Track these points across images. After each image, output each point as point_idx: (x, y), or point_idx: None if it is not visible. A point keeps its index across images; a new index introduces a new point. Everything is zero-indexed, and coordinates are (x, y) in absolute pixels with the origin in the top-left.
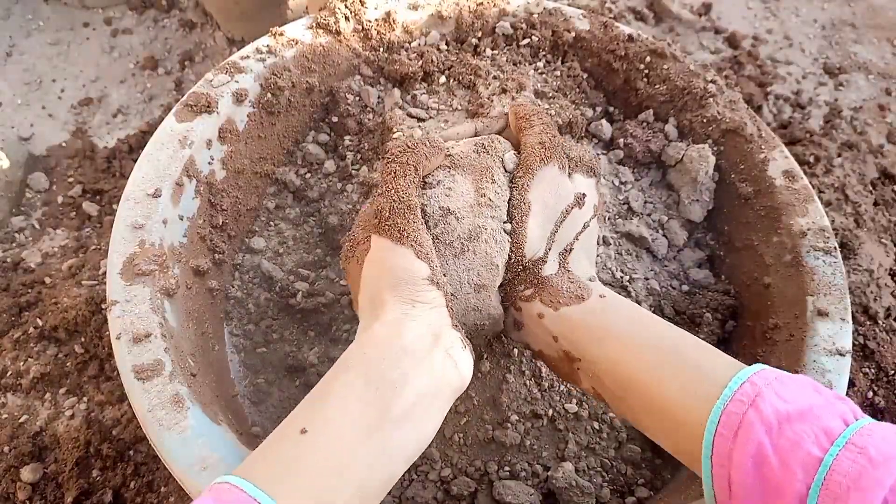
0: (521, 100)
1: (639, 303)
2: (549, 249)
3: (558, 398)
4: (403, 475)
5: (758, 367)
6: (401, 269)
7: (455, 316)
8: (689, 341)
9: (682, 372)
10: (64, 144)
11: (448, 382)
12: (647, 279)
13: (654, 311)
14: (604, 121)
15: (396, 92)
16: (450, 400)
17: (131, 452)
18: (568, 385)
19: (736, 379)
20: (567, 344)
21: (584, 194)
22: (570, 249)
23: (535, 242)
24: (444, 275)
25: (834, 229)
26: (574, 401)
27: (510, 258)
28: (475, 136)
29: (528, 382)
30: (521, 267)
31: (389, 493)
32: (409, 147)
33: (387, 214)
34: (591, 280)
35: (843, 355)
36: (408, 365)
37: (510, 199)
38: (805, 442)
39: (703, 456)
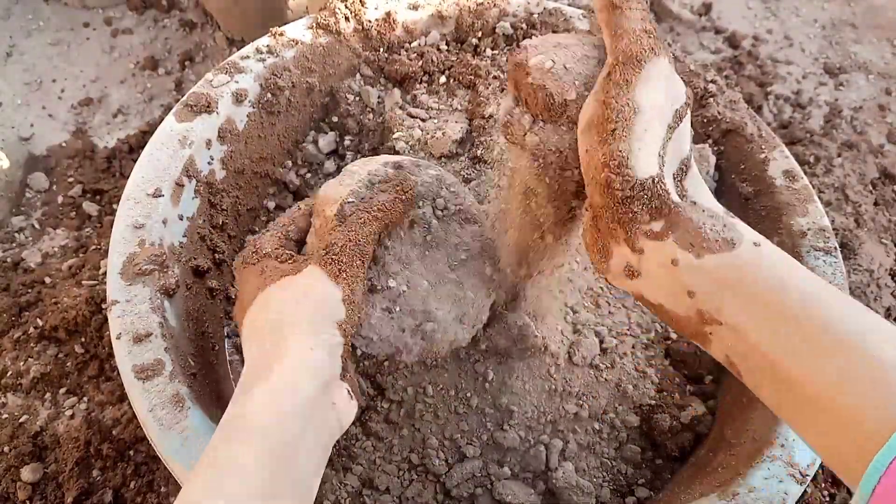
0: None
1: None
2: (662, 167)
3: (559, 399)
4: (403, 475)
5: None
6: (322, 304)
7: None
8: (881, 331)
9: (864, 376)
10: (64, 144)
11: (331, 434)
12: None
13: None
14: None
15: (396, 92)
16: (331, 444)
17: (131, 452)
18: (567, 386)
19: None
20: (707, 303)
21: (686, 91)
22: (687, 168)
23: (646, 154)
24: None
25: (834, 229)
26: (574, 401)
27: (611, 179)
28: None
29: (528, 386)
30: (632, 188)
31: (390, 493)
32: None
33: (337, 250)
34: (730, 215)
35: None
36: (303, 426)
37: (604, 100)
38: None
39: (864, 478)
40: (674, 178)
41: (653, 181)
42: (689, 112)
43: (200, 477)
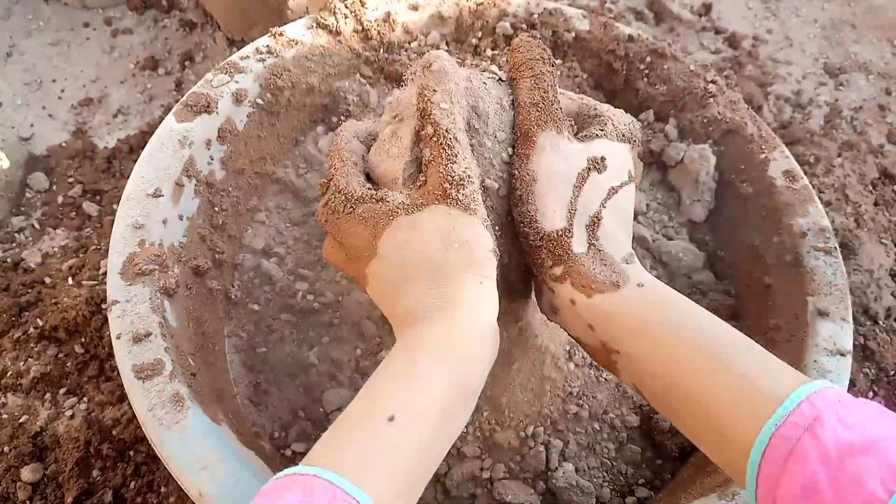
0: (522, 37)
1: None
2: (572, 222)
3: (559, 399)
4: None
5: (819, 383)
6: (475, 243)
7: None
8: (740, 344)
9: (732, 380)
10: (64, 144)
11: (492, 362)
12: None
13: None
14: None
15: (396, 92)
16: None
17: (131, 452)
18: (568, 386)
19: (793, 397)
20: (604, 335)
21: (602, 157)
22: (598, 221)
23: (552, 213)
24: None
25: (834, 229)
26: (574, 401)
27: (527, 233)
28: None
29: (528, 386)
30: (540, 239)
31: None
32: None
33: (449, 172)
34: (627, 261)
35: (844, 355)
36: (482, 350)
37: (513, 172)
38: (868, 480)
39: (747, 476)
40: (585, 228)
41: (558, 233)
42: (593, 175)
43: (381, 381)
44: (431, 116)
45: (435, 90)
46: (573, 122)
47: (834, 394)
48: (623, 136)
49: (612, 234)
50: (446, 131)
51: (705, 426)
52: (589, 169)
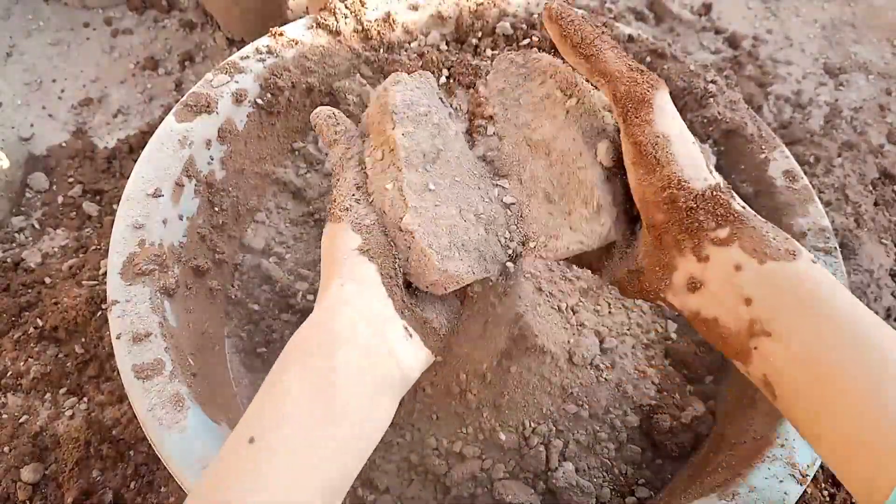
0: (560, 10)
1: (640, 304)
2: (718, 178)
3: (559, 399)
4: (403, 475)
5: None
6: (336, 245)
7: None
8: None
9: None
10: (64, 144)
11: (385, 377)
12: None
13: (654, 310)
14: None
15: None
16: (393, 394)
17: (131, 453)
18: (568, 386)
19: None
20: (762, 310)
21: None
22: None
23: (698, 170)
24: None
25: (834, 229)
26: (574, 401)
27: (674, 196)
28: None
29: (528, 385)
30: (694, 199)
31: (390, 493)
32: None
33: (333, 194)
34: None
35: None
36: (340, 358)
37: (634, 140)
38: None
39: None
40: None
41: (712, 191)
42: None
43: (256, 398)
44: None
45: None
46: None
47: None
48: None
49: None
50: (339, 162)
51: (855, 440)
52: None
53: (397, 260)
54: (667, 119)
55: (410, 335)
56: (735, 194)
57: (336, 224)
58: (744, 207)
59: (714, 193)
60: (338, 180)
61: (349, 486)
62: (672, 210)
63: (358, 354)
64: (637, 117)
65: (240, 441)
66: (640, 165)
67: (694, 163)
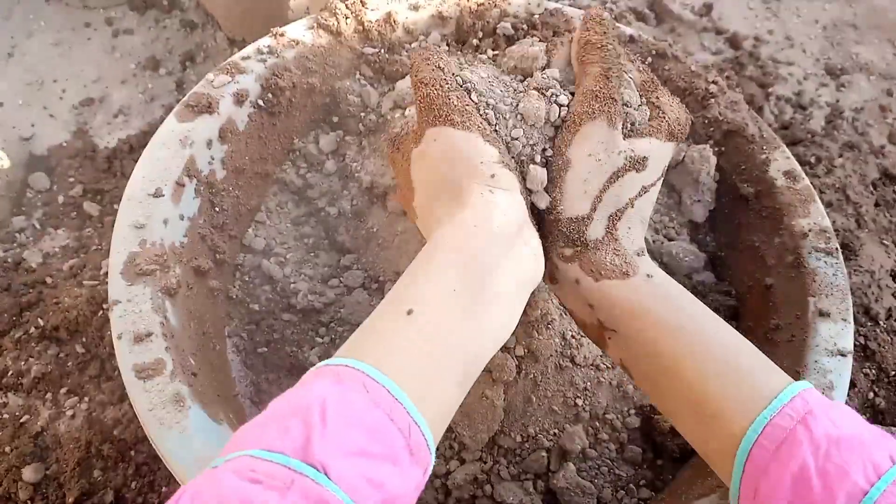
0: (594, 14)
1: None
2: (595, 209)
3: (560, 399)
4: None
5: (805, 383)
6: (474, 154)
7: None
8: (737, 342)
9: (728, 371)
10: (65, 144)
11: (527, 272)
12: None
13: None
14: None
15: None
16: (529, 290)
17: (132, 452)
18: (568, 387)
19: (787, 391)
20: (602, 315)
21: (644, 157)
22: (622, 214)
23: (575, 200)
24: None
25: (835, 230)
26: (574, 402)
27: (549, 212)
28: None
29: (529, 386)
30: (557, 221)
31: None
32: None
33: (441, 102)
34: (639, 253)
35: (845, 356)
36: (498, 251)
37: (554, 149)
38: (852, 471)
39: (736, 461)
40: (607, 218)
41: (576, 219)
42: (630, 173)
43: (402, 282)
44: (419, 70)
45: (423, 56)
46: (631, 104)
47: (819, 394)
48: (672, 134)
49: (631, 229)
50: (432, 75)
51: (693, 413)
52: (627, 168)
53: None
54: (584, 146)
55: (539, 241)
56: (613, 223)
57: (459, 131)
58: (610, 233)
59: (576, 221)
60: (436, 91)
61: (479, 374)
62: (543, 218)
63: (508, 251)
64: (565, 132)
65: (397, 312)
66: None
67: (579, 192)
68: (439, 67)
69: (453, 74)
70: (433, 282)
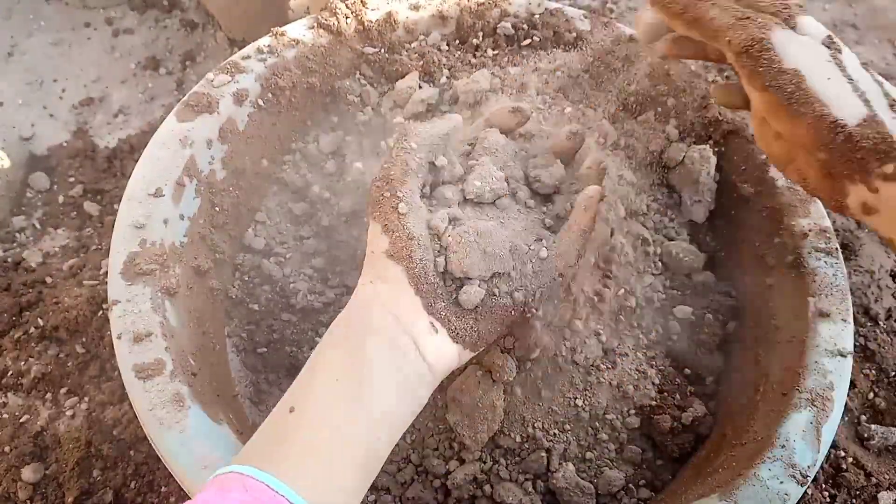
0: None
1: (641, 306)
2: (872, 106)
3: (560, 400)
4: (406, 477)
5: None
6: (370, 244)
7: (437, 298)
8: None
9: None
10: (65, 144)
11: (409, 367)
12: (652, 279)
13: (655, 311)
14: (605, 121)
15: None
16: (423, 384)
17: (132, 452)
18: (568, 387)
19: None
20: None
21: (828, 35)
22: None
23: (843, 101)
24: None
25: (835, 230)
26: (574, 402)
27: (822, 137)
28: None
29: (529, 386)
30: (847, 138)
31: (389, 493)
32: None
33: (373, 196)
34: None
35: (845, 356)
36: (370, 345)
37: (767, 85)
38: None
39: None
40: (890, 108)
41: (867, 122)
42: (838, 55)
43: (296, 381)
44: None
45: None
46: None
47: None
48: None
49: None
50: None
51: None
52: (830, 49)
53: (431, 260)
54: (790, 52)
55: (436, 330)
56: (893, 104)
57: (372, 222)
58: None
59: (870, 125)
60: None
61: (379, 469)
62: (833, 150)
63: (386, 346)
64: (759, 62)
65: (282, 411)
66: (779, 113)
67: (838, 94)
68: (400, 155)
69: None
70: (315, 378)
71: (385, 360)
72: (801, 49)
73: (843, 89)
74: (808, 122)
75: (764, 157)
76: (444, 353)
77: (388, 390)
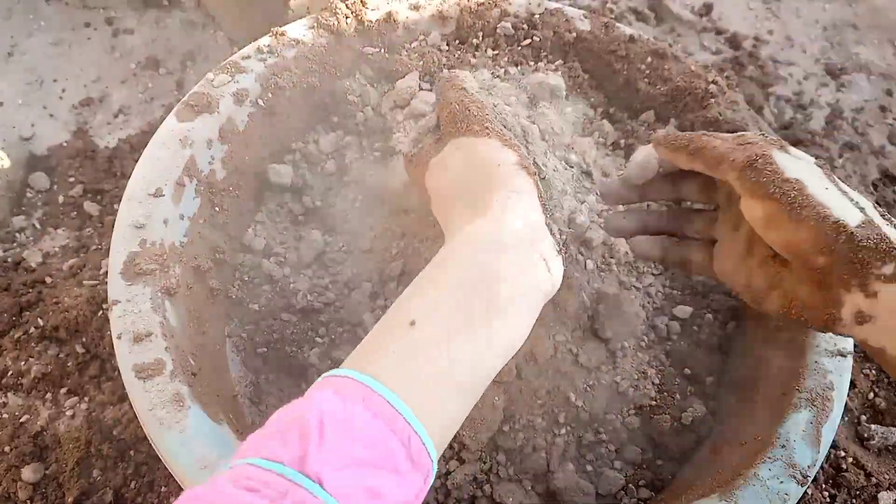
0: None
1: (642, 306)
2: (865, 210)
3: (560, 400)
4: None
5: None
6: (492, 158)
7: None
8: None
9: None
10: (65, 144)
11: (538, 284)
12: (652, 279)
13: (656, 314)
14: (605, 121)
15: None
16: (541, 302)
17: (132, 452)
18: (569, 388)
19: None
20: None
21: None
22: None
23: (838, 204)
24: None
25: None
26: (574, 402)
27: (825, 242)
28: None
29: (529, 386)
30: (848, 239)
31: None
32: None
33: (462, 116)
34: None
35: (845, 356)
36: (505, 261)
37: (764, 192)
38: None
39: None
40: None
41: (867, 225)
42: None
43: (409, 291)
44: (444, 93)
45: (448, 80)
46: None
47: None
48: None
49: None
50: (454, 95)
51: None
52: (822, 169)
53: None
54: (793, 168)
55: (558, 250)
56: (884, 214)
57: (480, 138)
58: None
59: (869, 228)
60: (459, 104)
61: (487, 384)
62: (835, 252)
63: (520, 259)
64: (763, 173)
65: (401, 324)
66: (781, 220)
67: (837, 201)
68: (462, 88)
69: (474, 93)
70: (439, 293)
71: (518, 275)
72: (800, 164)
73: (841, 197)
74: (810, 224)
75: None
76: (559, 274)
77: (517, 306)
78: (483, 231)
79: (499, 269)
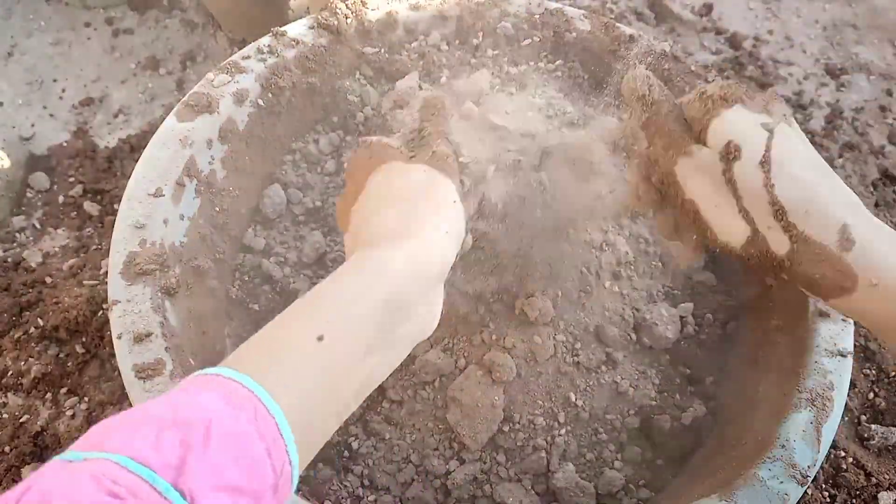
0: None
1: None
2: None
3: (560, 401)
4: (406, 477)
5: None
6: (447, 200)
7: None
8: None
9: None
10: (65, 144)
11: (426, 323)
12: (652, 279)
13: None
14: (611, 118)
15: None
16: (417, 342)
17: None
18: (569, 388)
19: None
20: None
21: (729, 142)
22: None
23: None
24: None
25: None
26: (575, 403)
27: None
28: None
29: (530, 387)
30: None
31: (390, 493)
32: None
33: (441, 155)
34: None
35: (845, 356)
36: (418, 293)
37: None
38: None
39: None
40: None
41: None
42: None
43: (326, 289)
44: (433, 107)
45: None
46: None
47: None
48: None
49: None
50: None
51: None
52: (725, 158)
53: None
54: (695, 180)
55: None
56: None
57: (444, 178)
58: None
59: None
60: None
61: (355, 408)
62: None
63: (424, 297)
64: (679, 187)
65: (309, 334)
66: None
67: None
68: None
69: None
70: (355, 307)
71: (418, 315)
72: (702, 176)
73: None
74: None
75: None
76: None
77: (403, 346)
78: (411, 262)
79: (410, 299)
